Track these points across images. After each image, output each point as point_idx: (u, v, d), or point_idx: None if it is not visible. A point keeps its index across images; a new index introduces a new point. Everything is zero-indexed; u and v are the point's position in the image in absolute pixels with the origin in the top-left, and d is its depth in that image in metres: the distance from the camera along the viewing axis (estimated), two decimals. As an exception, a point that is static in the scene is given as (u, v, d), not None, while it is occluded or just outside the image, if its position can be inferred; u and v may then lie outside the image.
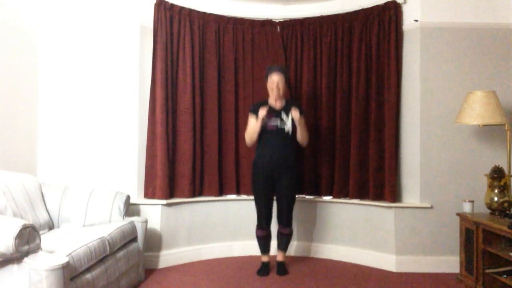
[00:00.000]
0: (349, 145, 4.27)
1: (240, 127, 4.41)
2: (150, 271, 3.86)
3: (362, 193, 4.22)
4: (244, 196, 4.41)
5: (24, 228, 2.29)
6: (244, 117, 4.27)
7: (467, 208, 3.57)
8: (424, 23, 3.97)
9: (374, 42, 4.16)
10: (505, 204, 3.38)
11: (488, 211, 3.48)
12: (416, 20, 3.98)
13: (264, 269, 3.87)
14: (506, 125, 3.53)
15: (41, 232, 2.99)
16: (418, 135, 3.97)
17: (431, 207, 3.94)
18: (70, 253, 2.55)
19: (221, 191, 4.41)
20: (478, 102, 3.51)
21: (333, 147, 4.35)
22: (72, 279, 2.52)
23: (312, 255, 4.40)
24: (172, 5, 4.15)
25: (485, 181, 3.57)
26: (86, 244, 2.74)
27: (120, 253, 3.21)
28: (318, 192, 4.40)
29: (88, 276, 2.71)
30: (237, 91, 4.49)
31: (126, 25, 4.00)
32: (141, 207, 3.98)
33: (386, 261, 4.03)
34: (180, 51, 4.20)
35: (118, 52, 3.98)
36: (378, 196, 4.12)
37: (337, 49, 4.37)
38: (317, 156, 4.38)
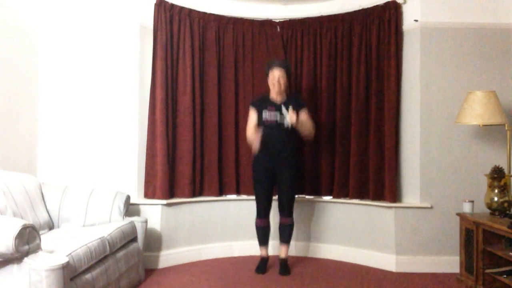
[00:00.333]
0: (349, 145, 4.27)
1: (240, 127, 4.41)
2: (150, 271, 3.86)
3: (362, 193, 4.22)
4: (244, 196, 4.42)
5: (24, 228, 2.29)
6: (244, 117, 4.27)
7: (467, 208, 3.57)
8: (424, 23, 3.97)
9: (374, 42, 4.16)
10: (505, 204, 3.37)
11: (488, 211, 3.48)
12: (416, 20, 3.98)
13: (262, 266, 3.90)
14: (506, 125, 3.53)
15: (41, 232, 2.98)
16: (418, 135, 3.97)
17: (431, 207, 3.94)
18: (70, 253, 2.55)
19: (221, 191, 4.41)
20: (478, 102, 3.50)
21: (333, 147, 4.35)
22: (72, 279, 2.52)
23: (312, 255, 4.40)
24: (172, 5, 4.15)
25: (485, 181, 3.57)
26: (86, 244, 2.74)
27: (120, 253, 3.21)
28: (318, 192, 4.40)
29: (88, 276, 2.71)
30: (237, 91, 4.49)
31: (126, 25, 4.00)
32: (141, 207, 3.98)
33: (386, 261, 4.03)
34: (180, 51, 4.20)
35: (118, 52, 3.98)
36: (378, 196, 4.12)
37: (337, 49, 4.36)
38: (317, 156, 4.38)
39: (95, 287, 2.76)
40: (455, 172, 3.93)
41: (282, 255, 3.95)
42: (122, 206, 3.53)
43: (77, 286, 2.56)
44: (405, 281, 3.72)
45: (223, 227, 4.39)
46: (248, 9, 4.50)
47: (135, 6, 4.02)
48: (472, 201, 3.57)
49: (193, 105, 4.24)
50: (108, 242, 3.00)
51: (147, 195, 4.06)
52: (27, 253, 2.32)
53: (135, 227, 3.51)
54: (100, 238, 2.93)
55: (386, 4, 4.10)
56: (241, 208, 4.40)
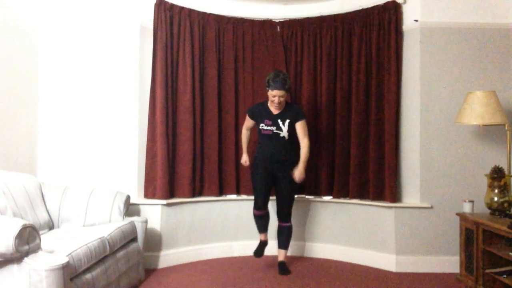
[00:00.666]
0: (349, 145, 4.27)
1: (240, 127, 4.40)
2: (150, 271, 3.86)
3: (362, 193, 4.22)
4: (244, 196, 4.41)
5: (24, 228, 2.29)
6: (244, 117, 4.27)
7: (467, 208, 3.57)
8: (424, 23, 3.97)
9: (374, 42, 4.17)
10: (505, 204, 3.37)
11: (488, 211, 3.48)
12: (416, 20, 3.98)
13: (260, 250, 3.94)
14: (506, 125, 3.53)
15: (41, 232, 2.98)
16: (418, 135, 3.97)
17: (431, 207, 3.94)
18: (70, 253, 2.55)
19: (221, 191, 4.41)
20: (478, 102, 3.50)
21: (333, 147, 4.35)
22: (72, 279, 2.52)
23: (312, 255, 4.40)
24: (172, 5, 4.15)
25: (485, 181, 3.57)
26: (86, 244, 2.74)
27: (120, 253, 3.21)
28: (318, 192, 4.40)
29: (88, 276, 2.71)
30: (237, 91, 4.49)
31: (126, 25, 4.00)
32: (141, 207, 3.98)
33: (386, 261, 4.03)
34: (180, 51, 4.20)
35: (118, 52, 3.98)
36: (378, 196, 4.12)
37: (337, 49, 4.37)
38: (317, 156, 4.38)
39: (95, 287, 2.76)
40: (455, 172, 3.93)
41: (281, 258, 3.95)
42: (122, 206, 3.53)
43: (77, 286, 2.56)
44: (405, 281, 3.72)
45: (223, 227, 4.39)
46: (248, 9, 4.50)
47: (135, 6, 4.02)
48: (472, 201, 3.57)
49: (193, 105, 4.24)
50: (108, 242, 3.00)
51: (147, 195, 4.05)
52: (27, 253, 2.33)
53: (135, 227, 3.51)
54: (100, 238, 2.93)
55: (386, 4, 4.10)
56: (241, 208, 4.40)
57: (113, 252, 3.10)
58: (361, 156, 4.21)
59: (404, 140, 4.09)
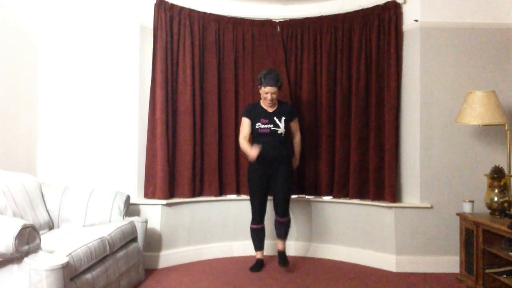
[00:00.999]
0: (349, 145, 4.27)
1: (240, 127, 4.40)
2: (150, 271, 3.86)
3: (362, 193, 4.22)
4: (244, 196, 4.41)
5: (24, 228, 2.29)
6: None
7: (467, 208, 3.57)
8: (424, 23, 3.97)
9: (374, 42, 4.16)
10: (505, 204, 3.38)
11: (488, 211, 3.48)
12: (416, 20, 3.98)
13: (257, 266, 3.94)
14: (506, 125, 3.53)
15: (41, 232, 2.98)
16: (418, 135, 3.97)
17: (431, 207, 3.94)
18: (70, 253, 2.55)
19: (221, 191, 4.41)
20: (478, 102, 3.50)
21: (333, 147, 4.35)
22: (72, 279, 2.52)
23: (312, 255, 4.40)
24: (172, 5, 4.15)
25: (485, 181, 3.57)
26: (86, 244, 2.74)
27: (120, 253, 3.21)
28: (318, 192, 4.40)
29: (88, 276, 2.71)
30: (237, 91, 4.49)
31: (126, 25, 3.99)
32: (141, 207, 3.98)
33: (386, 261, 4.03)
34: (180, 51, 4.20)
35: (118, 52, 3.98)
36: (378, 196, 4.12)
37: (337, 49, 4.37)
38: (317, 156, 4.39)
39: (95, 287, 2.76)
40: (455, 172, 3.93)
41: (280, 247, 3.97)
42: (122, 206, 3.53)
43: (77, 286, 2.56)
44: (405, 281, 3.72)
45: (223, 227, 4.39)
46: (248, 9, 4.50)
47: (135, 6, 4.02)
48: (472, 201, 3.57)
49: (193, 105, 4.24)
50: (108, 242, 3.00)
51: (147, 195, 4.05)
52: (27, 253, 2.32)
53: (135, 227, 3.51)
54: (100, 238, 2.93)
55: (386, 4, 4.10)
56: (241, 208, 4.40)
57: (113, 252, 3.10)
58: (361, 156, 4.21)
59: (404, 140, 4.09)
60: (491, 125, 3.57)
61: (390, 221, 4.02)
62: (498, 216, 3.36)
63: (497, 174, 3.40)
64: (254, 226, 3.97)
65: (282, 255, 3.94)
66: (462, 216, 3.56)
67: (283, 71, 4.37)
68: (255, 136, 3.93)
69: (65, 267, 2.37)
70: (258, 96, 4.35)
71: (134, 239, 3.53)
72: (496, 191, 3.40)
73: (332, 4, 4.43)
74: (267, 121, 3.86)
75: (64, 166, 3.93)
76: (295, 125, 4.02)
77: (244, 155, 4.37)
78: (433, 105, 3.96)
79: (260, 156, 3.81)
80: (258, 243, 4.01)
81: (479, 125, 3.61)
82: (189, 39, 4.23)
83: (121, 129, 3.98)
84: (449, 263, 3.89)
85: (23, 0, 3.71)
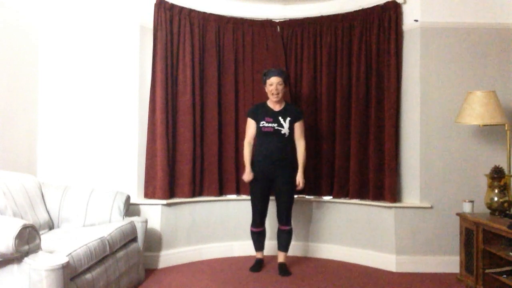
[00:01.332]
0: (349, 145, 4.27)
1: (240, 127, 4.41)
2: (150, 271, 3.86)
3: (362, 193, 4.22)
4: (244, 196, 4.41)
5: (24, 228, 2.29)
6: (244, 117, 4.28)
7: (467, 208, 3.57)
8: (424, 23, 3.97)
9: (374, 42, 4.17)
10: (505, 204, 3.37)
11: (488, 211, 3.48)
12: (416, 20, 3.98)
13: (257, 266, 3.92)
14: (506, 125, 3.53)
15: (41, 232, 2.98)
16: (418, 135, 3.98)
17: (431, 207, 3.94)
18: (70, 253, 2.55)
19: (221, 191, 4.41)
20: (478, 102, 3.50)
21: (333, 147, 4.35)
22: (72, 279, 2.52)
23: (312, 255, 4.40)
24: (172, 5, 4.15)
25: (485, 181, 3.57)
26: (86, 244, 2.74)
27: (120, 253, 3.21)
28: (318, 192, 4.40)
29: (88, 276, 2.71)
30: (237, 91, 4.49)
31: (126, 25, 4.00)
32: (141, 207, 3.98)
33: (386, 261, 4.03)
34: (180, 51, 4.20)
35: (118, 52, 3.98)
36: (378, 196, 4.12)
37: (337, 49, 4.37)
38: (317, 156, 4.38)
39: (95, 287, 2.76)
40: (455, 172, 3.93)
41: (281, 259, 3.95)
42: (122, 206, 3.53)
43: (77, 286, 2.56)
44: (405, 281, 3.72)
45: (223, 227, 4.39)
46: (248, 9, 4.50)
47: (135, 6, 4.02)
48: (472, 201, 3.57)
49: (193, 105, 4.24)
50: (108, 242, 3.00)
51: (147, 195, 4.05)
52: (27, 253, 2.33)
53: (135, 227, 3.51)
54: (100, 238, 2.93)
55: (386, 4, 4.10)
56: (241, 208, 4.40)
57: (113, 252, 3.10)
58: (361, 156, 4.21)
59: (404, 140, 4.09)
60: (491, 125, 3.57)
61: (390, 221, 4.02)
62: (498, 216, 3.35)
63: (497, 174, 3.40)
64: (254, 229, 3.95)
65: (283, 267, 3.90)
66: (462, 216, 3.56)
67: None
68: (258, 135, 3.89)
69: (65, 267, 2.37)
70: (258, 96, 4.37)
71: (134, 239, 3.53)
72: (496, 191, 3.40)
73: (332, 4, 4.43)
74: (271, 120, 3.82)
75: (64, 166, 3.92)
76: (299, 128, 3.88)
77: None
78: (433, 105, 3.97)
79: (262, 155, 3.82)
80: (258, 245, 4.01)
81: (479, 125, 3.62)
82: (189, 39, 4.23)
83: (121, 129, 3.98)
84: (449, 263, 3.89)
85: (23, 0, 3.71)
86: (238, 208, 4.42)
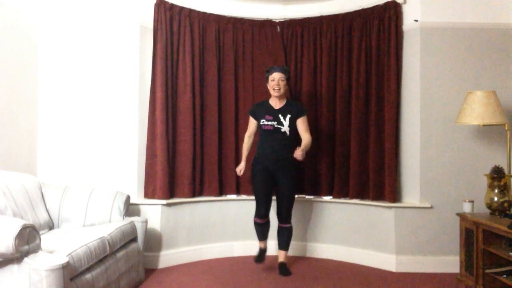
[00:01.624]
0: (349, 145, 4.27)
1: (240, 127, 4.41)
2: (150, 271, 3.86)
3: (362, 193, 4.22)
4: (244, 196, 4.41)
5: (24, 228, 2.29)
6: (244, 117, 4.28)
7: (467, 208, 3.57)
8: (424, 23, 3.97)
9: (374, 42, 4.17)
10: (505, 204, 3.37)
11: (488, 211, 3.48)
12: (416, 20, 3.98)
13: (261, 255, 3.90)
14: (506, 125, 3.53)
15: (41, 232, 2.99)
16: (418, 135, 3.97)
17: (431, 207, 3.94)
18: (70, 253, 2.55)
19: (221, 191, 4.41)
20: (478, 102, 3.50)
21: (333, 147, 4.35)
22: (72, 279, 2.52)
23: (312, 255, 4.40)
24: (172, 5, 4.15)
25: (485, 181, 3.57)
26: (86, 244, 2.74)
27: (120, 253, 3.21)
28: (318, 192, 4.40)
29: (88, 276, 2.71)
30: (237, 91, 4.49)
31: (126, 25, 4.00)
32: (141, 207, 3.98)
33: (386, 261, 4.03)
34: (180, 51, 4.21)
35: (118, 52, 3.98)
36: (378, 196, 4.12)
37: (337, 49, 4.36)
38: (317, 156, 4.38)
39: (95, 287, 2.76)
40: (455, 172, 3.93)
41: (281, 259, 3.94)
42: (122, 206, 3.53)
43: (77, 286, 2.56)
44: (405, 281, 3.72)
45: (223, 227, 4.39)
46: (248, 9, 4.50)
47: (135, 6, 4.02)
48: (472, 201, 3.56)
49: (193, 105, 4.24)
50: (108, 242, 3.00)
51: (147, 195, 4.05)
52: (27, 253, 2.33)
53: (135, 227, 3.51)
54: (100, 238, 2.93)
55: (386, 4, 4.10)
56: (241, 208, 4.40)
57: (113, 252, 3.10)
58: (361, 156, 4.21)
59: (404, 140, 4.09)
60: (491, 125, 3.57)
61: (390, 221, 4.02)
62: (498, 216, 3.35)
63: (497, 174, 3.40)
64: (258, 221, 3.87)
65: (283, 267, 3.90)
66: (462, 216, 3.55)
67: None
68: (260, 133, 3.91)
69: (65, 267, 2.37)
70: (258, 96, 4.38)
71: (134, 239, 3.53)
72: (496, 191, 3.40)
73: (332, 4, 4.43)
74: (271, 117, 3.81)
75: (64, 166, 3.93)
76: (302, 124, 3.81)
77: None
78: (433, 105, 3.96)
79: (263, 153, 3.82)
80: (262, 235, 3.94)
81: (479, 125, 3.61)
82: (189, 39, 4.23)
83: (121, 129, 3.98)
84: (449, 263, 3.89)
85: (23, 0, 3.71)
86: (238, 208, 4.42)
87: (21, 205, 3.04)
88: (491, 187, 3.43)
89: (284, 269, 3.87)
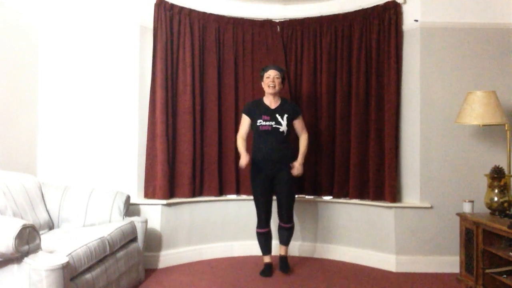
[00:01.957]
0: (349, 145, 4.27)
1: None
2: (150, 271, 3.86)
3: (362, 193, 4.22)
4: (244, 196, 4.41)
5: (24, 228, 2.29)
6: (244, 117, 4.29)
7: (467, 208, 3.57)
8: (424, 23, 3.97)
9: (374, 42, 4.17)
10: (505, 204, 3.37)
11: (488, 211, 3.48)
12: (416, 20, 3.98)
13: (267, 270, 3.85)
14: (506, 125, 3.53)
15: (41, 232, 2.99)
16: (418, 135, 3.98)
17: (431, 207, 3.94)
18: (70, 253, 2.55)
19: (221, 191, 4.41)
20: (478, 102, 3.50)
21: (333, 147, 4.35)
22: (72, 279, 2.52)
23: (312, 255, 4.40)
24: (172, 5, 4.15)
25: (485, 181, 3.57)
26: (86, 244, 2.75)
27: (120, 253, 3.21)
28: (318, 192, 4.40)
29: (88, 276, 2.71)
30: (237, 91, 4.49)
31: (126, 25, 4.00)
32: (141, 207, 3.98)
33: (386, 261, 4.03)
34: (180, 51, 4.21)
35: (118, 52, 3.98)
36: (378, 196, 4.12)
37: (337, 49, 4.37)
38: (317, 156, 4.38)
39: (95, 287, 2.76)
40: (455, 172, 3.93)
41: (282, 252, 3.96)
42: (122, 206, 3.53)
43: (77, 286, 2.56)
44: (405, 281, 3.72)
45: (223, 227, 4.39)
46: (248, 9, 4.50)
47: (135, 6, 4.02)
48: (472, 201, 3.56)
49: (193, 105, 4.24)
50: (108, 242, 3.00)
51: (147, 195, 4.05)
52: (27, 253, 2.33)
53: (135, 227, 3.51)
54: (100, 238, 2.93)
55: (386, 4, 4.10)
56: (241, 208, 4.40)
57: (113, 252, 3.10)
58: (361, 156, 4.21)
59: (404, 140, 4.09)
60: (491, 125, 3.57)
61: (390, 221, 4.02)
62: (498, 216, 3.35)
63: (497, 174, 3.40)
64: (261, 230, 3.89)
65: (284, 260, 3.92)
66: (462, 216, 3.55)
67: None
68: (256, 135, 3.84)
69: (65, 267, 2.37)
70: (258, 96, 4.35)
71: (134, 239, 3.53)
72: (496, 191, 3.40)
73: (332, 4, 4.43)
74: (268, 118, 3.78)
75: (64, 166, 3.93)
76: (299, 124, 3.89)
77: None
78: (433, 105, 3.97)
79: (260, 154, 3.79)
80: (266, 247, 3.93)
81: (479, 125, 3.61)
82: (189, 39, 4.23)
83: (121, 129, 3.98)
84: (449, 263, 3.89)
85: (23, 0, 3.71)
86: (238, 208, 4.42)
87: (21, 205, 3.04)
88: (491, 187, 3.43)
89: (284, 263, 3.88)
